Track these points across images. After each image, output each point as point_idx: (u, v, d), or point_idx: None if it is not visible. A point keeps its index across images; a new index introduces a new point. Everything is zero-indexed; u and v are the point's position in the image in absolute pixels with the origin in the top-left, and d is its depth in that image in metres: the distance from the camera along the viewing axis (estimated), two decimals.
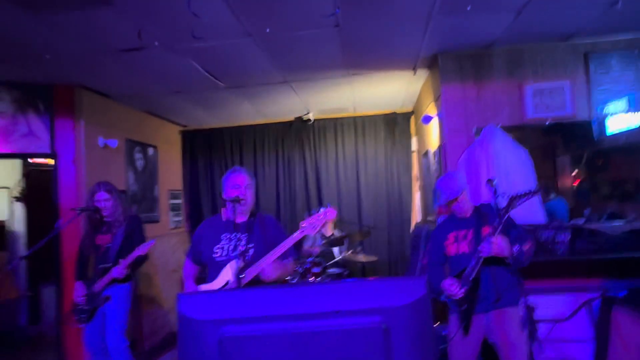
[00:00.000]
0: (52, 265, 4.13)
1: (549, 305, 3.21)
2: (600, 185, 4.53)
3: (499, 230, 2.34)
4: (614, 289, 3.21)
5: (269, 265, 2.32)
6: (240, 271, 2.24)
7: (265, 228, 2.55)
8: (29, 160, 5.44)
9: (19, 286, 5.45)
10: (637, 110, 3.63)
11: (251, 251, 2.44)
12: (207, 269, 2.53)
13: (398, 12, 2.96)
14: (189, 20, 2.81)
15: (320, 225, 2.34)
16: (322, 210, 2.35)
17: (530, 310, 1.65)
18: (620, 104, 3.67)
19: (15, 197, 5.56)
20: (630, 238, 3.37)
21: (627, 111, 3.65)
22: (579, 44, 3.69)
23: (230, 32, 3.09)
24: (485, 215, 2.60)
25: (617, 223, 3.68)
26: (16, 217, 5.56)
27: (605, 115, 3.71)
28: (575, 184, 4.75)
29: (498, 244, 2.35)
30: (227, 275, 2.38)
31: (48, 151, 4.10)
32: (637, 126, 3.70)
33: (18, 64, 3.54)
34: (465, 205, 2.64)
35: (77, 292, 3.26)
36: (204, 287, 2.48)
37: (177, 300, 1.33)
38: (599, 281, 3.29)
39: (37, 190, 5.59)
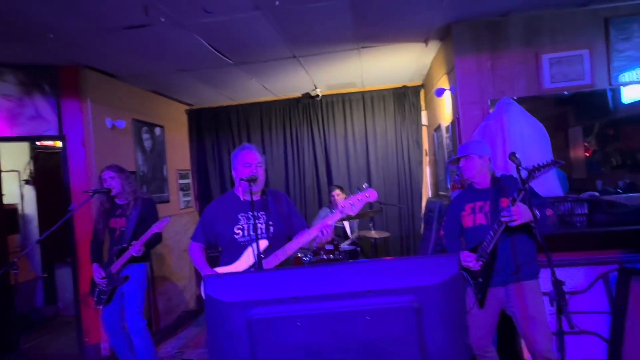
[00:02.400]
0: (66, 247, 4.16)
1: (566, 277, 3.19)
2: (611, 155, 4.45)
3: (519, 199, 2.28)
4: (632, 261, 3.18)
5: (327, 227, 2.27)
6: (265, 252, 2.21)
7: (279, 205, 2.52)
8: (37, 142, 5.42)
9: (34, 268, 5.51)
10: None
11: (272, 229, 2.41)
12: (224, 251, 2.49)
13: None
14: None
15: (362, 206, 2.25)
16: (363, 191, 2.24)
17: (559, 284, 1.62)
18: (637, 72, 3.56)
19: (25, 180, 5.56)
20: None
21: None
22: (599, 9, 3.54)
23: (239, 5, 2.98)
24: (505, 187, 2.55)
25: (635, 194, 3.62)
26: (27, 200, 5.58)
27: (622, 84, 3.61)
28: (588, 155, 4.67)
29: (519, 211, 2.29)
30: (250, 257, 2.35)
31: (56, 133, 4.07)
32: None
33: (21, 45, 3.46)
34: (469, 172, 2.61)
35: (96, 274, 3.29)
36: (223, 269, 2.45)
37: (203, 282, 1.31)
38: (616, 253, 3.26)
39: (47, 173, 5.59)
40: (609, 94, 3.74)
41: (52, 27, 3.14)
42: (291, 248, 2.34)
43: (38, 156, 5.61)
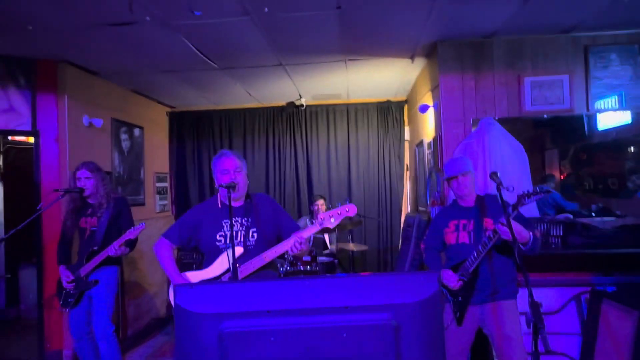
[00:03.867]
0: (32, 247, 3.99)
1: (540, 298, 3.21)
2: (583, 180, 4.56)
3: (512, 217, 2.25)
4: (604, 284, 3.24)
5: (302, 240, 2.23)
6: (238, 260, 2.16)
7: (264, 209, 2.47)
8: (9, 137, 5.22)
9: None
10: (628, 107, 3.64)
11: (255, 235, 2.37)
12: (206, 257, 2.44)
13: None
14: None
15: (340, 220, 2.25)
16: (344, 205, 2.26)
17: (536, 306, 1.62)
18: (612, 100, 3.67)
19: None
20: (620, 233, 3.39)
21: (618, 108, 3.65)
22: (579, 36, 3.64)
23: (228, 9, 2.95)
24: (488, 207, 2.56)
25: (608, 218, 3.70)
26: None
27: (598, 111, 3.71)
28: (563, 178, 4.78)
29: (515, 227, 2.24)
30: (224, 263, 2.29)
31: (29, 128, 3.92)
32: (627, 123, 3.72)
33: None
34: (466, 189, 2.60)
35: (64, 276, 3.15)
36: (195, 274, 2.39)
37: (174, 291, 1.25)
38: (589, 275, 3.32)
39: (17, 169, 5.38)
40: (585, 120, 3.84)
41: (31, 18, 3.03)
42: (269, 256, 2.30)
43: (9, 151, 5.41)
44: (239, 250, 2.30)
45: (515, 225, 2.27)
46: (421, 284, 1.24)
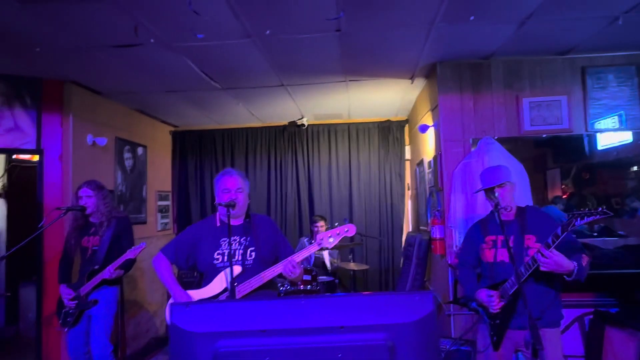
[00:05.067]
0: (33, 265, 3.99)
1: None
2: (586, 199, 4.55)
3: (553, 247, 2.07)
4: (606, 305, 3.20)
5: (293, 264, 2.26)
6: (237, 279, 2.16)
7: (263, 229, 2.48)
8: (13, 156, 5.28)
9: None
10: (628, 128, 3.67)
11: (253, 254, 2.37)
12: (204, 276, 2.43)
13: (401, 19, 2.93)
14: (187, 18, 2.74)
15: (339, 240, 2.28)
16: (342, 225, 2.30)
17: (534, 327, 1.60)
18: (612, 120, 3.70)
19: None
20: (622, 253, 3.37)
21: (619, 128, 3.67)
22: (576, 58, 3.70)
23: (230, 32, 3.02)
24: (531, 221, 2.36)
25: (610, 238, 3.68)
26: None
27: (598, 131, 3.73)
28: (565, 197, 4.77)
29: (554, 260, 2.07)
30: (222, 282, 2.29)
31: (34, 147, 3.97)
32: (628, 142, 3.73)
33: (5, 56, 3.41)
34: (504, 201, 2.36)
35: (65, 294, 3.14)
36: (193, 292, 2.39)
37: (169, 309, 1.25)
38: (591, 296, 3.29)
39: (20, 187, 5.42)
40: (585, 139, 3.86)
41: (39, 40, 3.11)
42: (267, 276, 2.30)
43: (13, 170, 5.46)
44: (237, 269, 2.30)
45: (557, 257, 2.07)
46: (417, 303, 1.23)
